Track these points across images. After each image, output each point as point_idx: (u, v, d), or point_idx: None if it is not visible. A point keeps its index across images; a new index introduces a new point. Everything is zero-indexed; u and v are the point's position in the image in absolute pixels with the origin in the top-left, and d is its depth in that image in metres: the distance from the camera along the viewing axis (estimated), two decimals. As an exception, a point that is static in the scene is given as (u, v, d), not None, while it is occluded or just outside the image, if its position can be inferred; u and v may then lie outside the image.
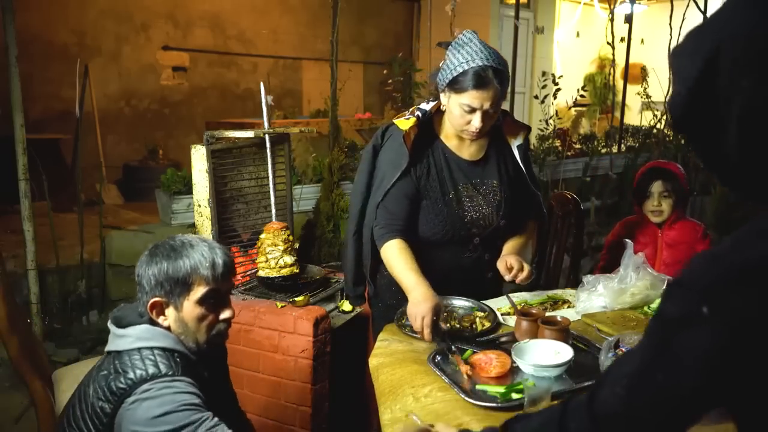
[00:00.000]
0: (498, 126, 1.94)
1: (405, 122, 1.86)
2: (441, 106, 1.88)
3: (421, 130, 1.88)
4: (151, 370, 1.33)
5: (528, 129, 2.01)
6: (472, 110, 1.75)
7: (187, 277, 1.40)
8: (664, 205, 2.61)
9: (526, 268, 1.83)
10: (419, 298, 1.66)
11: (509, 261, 1.84)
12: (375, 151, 1.94)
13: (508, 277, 1.82)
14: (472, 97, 1.73)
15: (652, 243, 2.63)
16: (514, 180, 1.97)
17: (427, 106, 1.89)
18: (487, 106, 1.75)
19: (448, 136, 1.91)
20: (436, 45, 1.92)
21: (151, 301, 1.41)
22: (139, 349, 1.38)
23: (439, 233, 1.87)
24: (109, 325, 1.46)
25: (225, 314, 1.47)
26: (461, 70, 1.72)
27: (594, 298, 1.85)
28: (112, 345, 1.42)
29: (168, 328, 1.43)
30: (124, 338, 1.41)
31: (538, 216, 2.08)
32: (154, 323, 1.43)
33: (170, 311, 1.43)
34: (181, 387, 1.32)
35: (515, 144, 1.97)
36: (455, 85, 1.74)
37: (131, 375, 1.32)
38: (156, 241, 1.48)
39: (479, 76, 1.72)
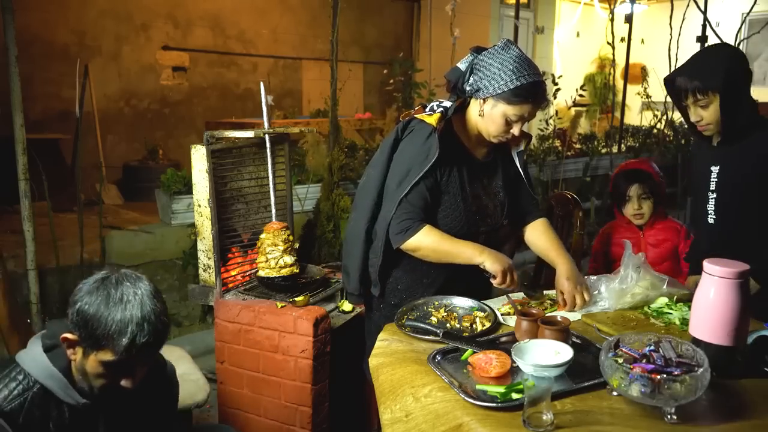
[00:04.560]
0: None
1: (431, 117, 1.86)
2: (465, 107, 1.89)
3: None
4: None
5: (529, 137, 2.03)
6: (518, 120, 1.80)
7: (102, 338, 1.35)
8: (645, 207, 2.62)
9: (578, 296, 1.82)
10: (494, 256, 1.79)
11: (564, 291, 1.83)
12: (395, 145, 1.93)
13: (569, 308, 1.82)
14: (523, 110, 1.78)
15: (635, 244, 2.63)
16: (513, 184, 2.03)
17: (447, 104, 1.89)
18: (531, 116, 1.81)
19: (465, 135, 1.93)
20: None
21: (65, 335, 1.41)
22: (18, 368, 1.43)
23: (454, 228, 1.90)
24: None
25: (124, 382, 1.43)
26: (518, 84, 1.73)
27: (594, 299, 1.86)
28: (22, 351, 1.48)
29: (73, 360, 1.44)
30: (25, 353, 1.46)
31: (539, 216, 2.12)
32: (57, 357, 1.44)
33: (78, 352, 1.42)
34: None
35: (516, 151, 2.01)
36: (510, 97, 1.75)
37: None
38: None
39: (536, 91, 1.77)
